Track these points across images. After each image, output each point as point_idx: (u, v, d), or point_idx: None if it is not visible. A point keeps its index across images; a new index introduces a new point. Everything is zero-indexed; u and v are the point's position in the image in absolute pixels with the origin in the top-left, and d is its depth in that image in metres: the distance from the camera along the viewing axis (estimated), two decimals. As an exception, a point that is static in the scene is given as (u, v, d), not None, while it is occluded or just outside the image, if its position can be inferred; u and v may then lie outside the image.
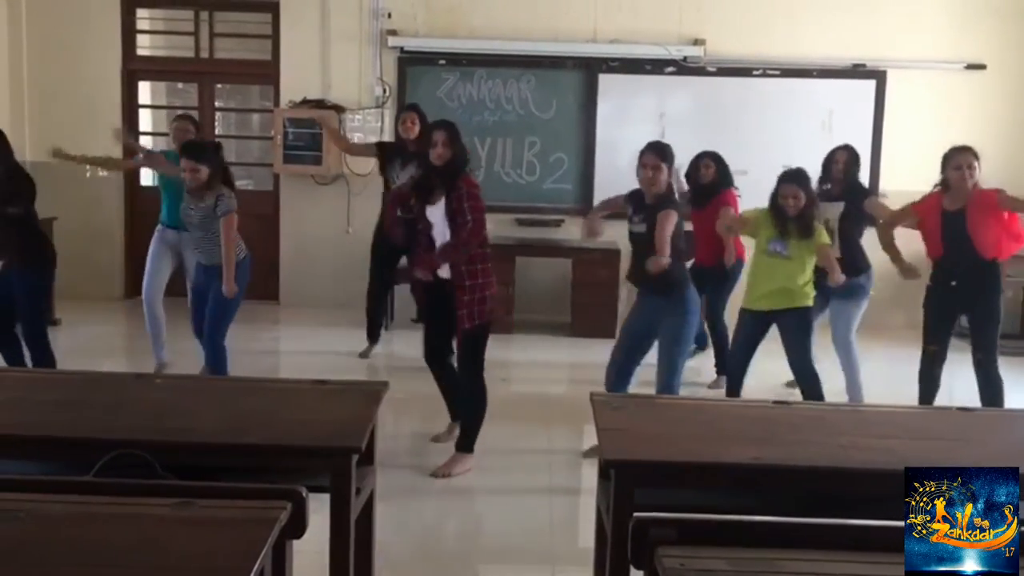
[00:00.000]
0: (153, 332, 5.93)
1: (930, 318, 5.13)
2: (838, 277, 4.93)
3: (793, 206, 4.88)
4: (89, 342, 6.03)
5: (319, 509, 2.31)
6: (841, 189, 5.67)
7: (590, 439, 4.85)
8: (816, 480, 2.54)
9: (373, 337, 6.73)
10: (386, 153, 6.45)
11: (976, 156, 4.95)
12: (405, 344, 6.86)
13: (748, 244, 5.67)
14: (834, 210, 5.60)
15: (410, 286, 4.90)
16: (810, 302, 5.03)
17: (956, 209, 4.90)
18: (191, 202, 5.19)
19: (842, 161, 5.72)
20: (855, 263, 5.48)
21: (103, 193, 8.46)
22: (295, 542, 2.13)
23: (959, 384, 6.63)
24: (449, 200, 4.44)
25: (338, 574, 2.66)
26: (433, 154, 4.45)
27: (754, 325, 5.08)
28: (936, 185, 5.02)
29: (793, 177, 4.98)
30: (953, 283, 4.96)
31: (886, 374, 5.44)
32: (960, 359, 6.71)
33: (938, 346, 5.10)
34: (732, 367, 5.24)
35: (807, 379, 5.00)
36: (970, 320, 5.13)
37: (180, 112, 6.21)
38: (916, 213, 5.10)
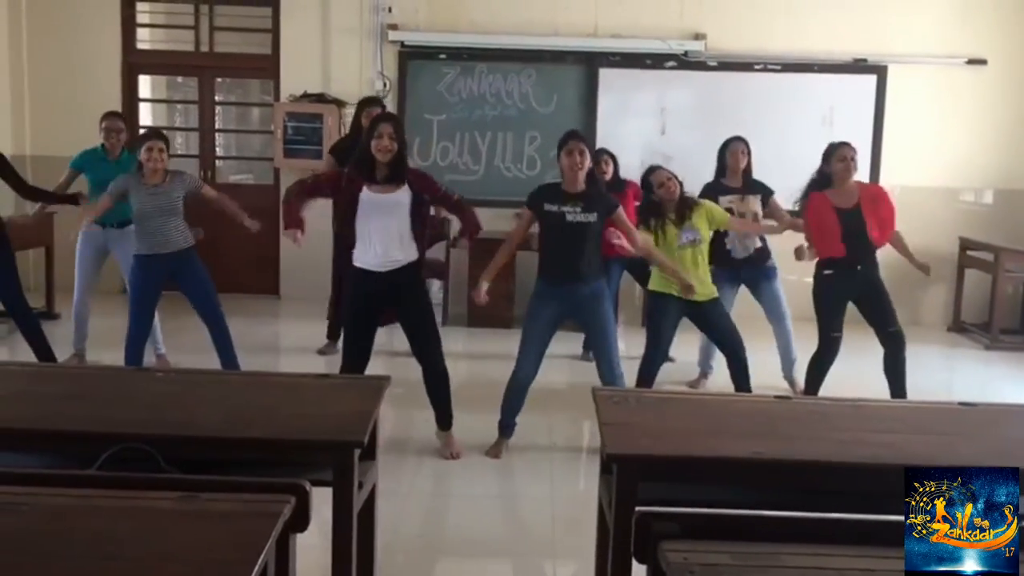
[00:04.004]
0: (78, 325, 6.09)
1: (831, 307, 5.18)
2: (757, 229, 5.44)
3: (673, 189, 4.98)
4: (88, 335, 6.03)
5: (321, 503, 2.31)
6: (744, 182, 5.74)
7: (591, 433, 4.86)
8: (818, 474, 2.54)
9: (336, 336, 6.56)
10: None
11: (855, 150, 5.12)
12: (406, 339, 6.84)
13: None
14: (753, 204, 5.67)
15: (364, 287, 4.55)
16: (716, 292, 5.14)
17: (852, 206, 5.02)
18: (151, 191, 5.26)
19: (740, 153, 5.75)
20: (768, 249, 5.77)
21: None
22: (298, 536, 2.13)
23: (958, 379, 6.65)
24: (412, 187, 4.44)
25: (341, 568, 2.67)
26: (379, 146, 4.35)
27: (678, 314, 5.10)
28: (811, 182, 5.18)
29: (655, 166, 5.14)
30: (859, 267, 5.07)
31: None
32: (961, 354, 6.73)
33: (839, 333, 5.21)
34: (659, 356, 5.16)
35: (743, 357, 5.09)
36: (870, 300, 5.17)
37: (109, 111, 6.26)
38: (808, 220, 5.15)
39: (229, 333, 5.51)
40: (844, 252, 5.03)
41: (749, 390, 5.07)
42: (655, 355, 5.08)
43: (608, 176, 6.14)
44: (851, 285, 5.11)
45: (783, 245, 5.90)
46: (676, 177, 5.03)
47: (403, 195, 4.44)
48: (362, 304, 4.57)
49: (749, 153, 5.78)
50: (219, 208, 5.61)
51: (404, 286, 4.52)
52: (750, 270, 5.65)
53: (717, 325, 5.09)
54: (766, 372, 5.74)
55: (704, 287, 5.01)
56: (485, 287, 4.70)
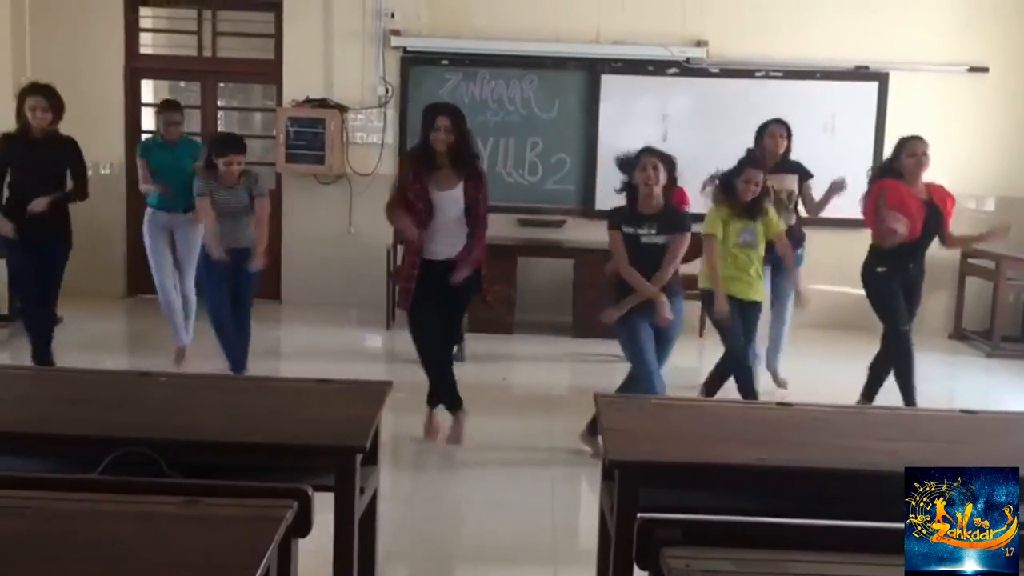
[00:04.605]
0: (171, 318, 6.12)
1: (895, 299, 5.18)
2: (789, 263, 5.32)
3: (753, 192, 4.98)
4: (92, 339, 6.03)
5: (323, 508, 2.31)
6: (780, 164, 5.70)
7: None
8: (820, 481, 2.54)
9: None
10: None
11: (928, 145, 5.18)
12: (407, 343, 6.87)
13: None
14: (790, 182, 5.66)
15: (402, 276, 4.80)
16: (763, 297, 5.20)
17: (928, 199, 5.08)
18: (227, 192, 5.42)
19: (779, 136, 5.73)
20: (799, 235, 5.75)
21: (105, 190, 8.46)
22: (300, 541, 2.13)
23: (960, 387, 6.65)
24: (468, 189, 4.61)
25: (342, 573, 2.67)
26: (436, 138, 4.53)
27: (737, 311, 5.12)
28: (883, 172, 5.22)
29: (757, 163, 5.12)
30: (911, 265, 5.13)
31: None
32: (963, 361, 6.73)
33: (909, 327, 5.21)
34: (744, 358, 5.17)
35: (749, 370, 5.13)
36: (909, 295, 5.21)
37: (164, 99, 6.34)
38: (891, 206, 5.12)
39: (249, 341, 5.56)
40: (915, 237, 5.04)
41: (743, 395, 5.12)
42: (744, 354, 5.10)
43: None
44: (900, 279, 5.13)
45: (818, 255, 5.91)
46: (762, 183, 5.00)
47: (459, 191, 4.62)
48: (425, 292, 4.69)
49: (789, 136, 5.76)
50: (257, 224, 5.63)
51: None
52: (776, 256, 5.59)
53: (748, 329, 5.13)
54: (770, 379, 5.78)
55: (753, 288, 5.08)
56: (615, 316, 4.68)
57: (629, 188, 4.59)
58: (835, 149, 7.81)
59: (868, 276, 5.21)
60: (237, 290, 5.55)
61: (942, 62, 8.10)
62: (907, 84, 8.13)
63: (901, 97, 8.14)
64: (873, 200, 5.16)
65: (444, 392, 4.86)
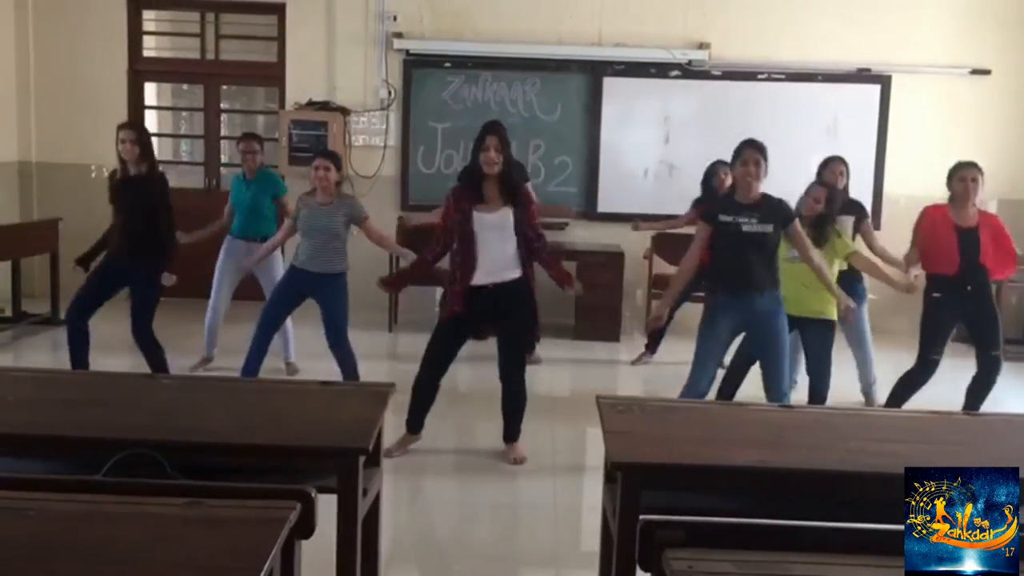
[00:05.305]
0: (208, 332, 6.20)
1: (936, 329, 5.19)
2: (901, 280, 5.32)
3: (814, 209, 4.97)
4: (95, 341, 6.02)
5: (326, 510, 2.32)
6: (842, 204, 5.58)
7: (594, 441, 4.86)
8: (822, 483, 2.54)
9: None
10: None
11: (980, 171, 5.07)
12: (410, 345, 6.87)
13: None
14: (846, 224, 5.62)
15: (460, 295, 4.58)
16: (834, 315, 4.98)
17: (968, 227, 5.03)
18: (316, 209, 5.30)
19: (839, 173, 5.67)
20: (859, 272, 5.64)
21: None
22: (303, 542, 2.14)
23: (961, 389, 6.63)
24: (517, 215, 4.51)
25: (345, 575, 2.67)
26: (485, 159, 4.42)
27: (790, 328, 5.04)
28: (949, 200, 5.15)
29: (823, 184, 5.17)
30: (969, 287, 5.08)
31: (891, 379, 5.44)
32: (964, 364, 6.70)
33: (939, 357, 5.23)
34: (735, 370, 5.20)
35: (823, 388, 5.06)
36: (979, 321, 5.20)
37: (245, 132, 6.50)
38: (923, 233, 5.15)
39: (353, 364, 5.36)
40: (955, 269, 5.03)
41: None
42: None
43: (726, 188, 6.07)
44: (961, 308, 5.12)
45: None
46: (825, 202, 5.00)
47: (508, 213, 4.51)
48: (464, 319, 4.62)
49: (848, 173, 5.71)
50: (378, 245, 5.60)
51: (512, 301, 4.62)
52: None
53: (809, 347, 5.09)
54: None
55: (801, 304, 4.90)
56: (665, 315, 4.74)
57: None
58: (837, 152, 7.75)
59: (924, 299, 5.23)
60: (326, 318, 5.34)
61: (944, 64, 8.11)
62: (909, 86, 8.13)
63: (903, 99, 8.15)
64: (921, 223, 5.19)
65: (511, 419, 4.77)
